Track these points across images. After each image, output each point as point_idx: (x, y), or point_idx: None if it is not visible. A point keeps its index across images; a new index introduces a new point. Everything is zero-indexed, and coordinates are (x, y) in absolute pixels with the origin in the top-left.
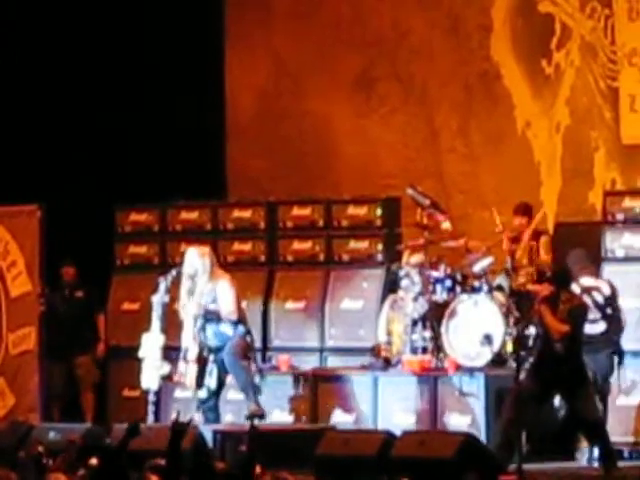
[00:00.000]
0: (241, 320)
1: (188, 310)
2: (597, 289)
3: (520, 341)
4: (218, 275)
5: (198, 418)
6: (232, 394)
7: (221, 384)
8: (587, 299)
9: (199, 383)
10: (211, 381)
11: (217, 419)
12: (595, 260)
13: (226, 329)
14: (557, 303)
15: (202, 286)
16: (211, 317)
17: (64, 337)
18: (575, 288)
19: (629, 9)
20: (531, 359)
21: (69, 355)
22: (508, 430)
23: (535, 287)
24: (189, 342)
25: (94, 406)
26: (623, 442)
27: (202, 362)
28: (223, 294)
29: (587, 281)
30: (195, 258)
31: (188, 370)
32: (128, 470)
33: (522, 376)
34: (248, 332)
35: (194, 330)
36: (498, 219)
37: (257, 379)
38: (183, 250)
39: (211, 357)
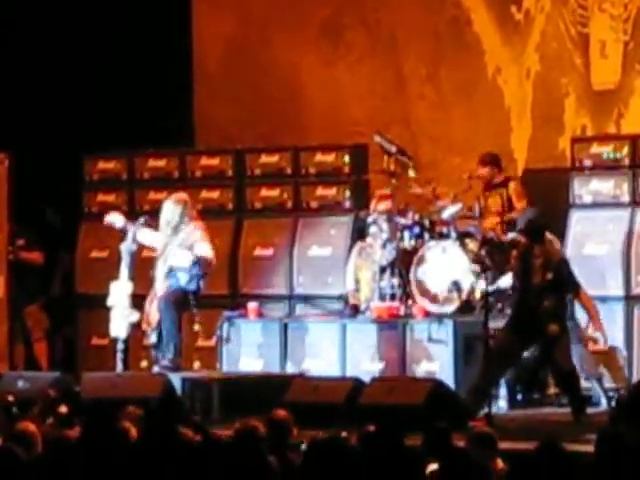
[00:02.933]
0: (202, 275)
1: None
2: None
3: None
4: (196, 225)
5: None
6: (200, 342)
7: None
8: None
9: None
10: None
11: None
12: (563, 206)
13: (181, 276)
14: (530, 257)
15: (180, 233)
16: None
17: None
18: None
19: None
20: (507, 310)
21: (17, 305)
22: (482, 379)
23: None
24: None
25: (48, 354)
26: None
27: None
28: (201, 242)
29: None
30: (169, 208)
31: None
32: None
33: (492, 323)
34: (194, 292)
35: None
36: None
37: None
38: (152, 198)
39: None
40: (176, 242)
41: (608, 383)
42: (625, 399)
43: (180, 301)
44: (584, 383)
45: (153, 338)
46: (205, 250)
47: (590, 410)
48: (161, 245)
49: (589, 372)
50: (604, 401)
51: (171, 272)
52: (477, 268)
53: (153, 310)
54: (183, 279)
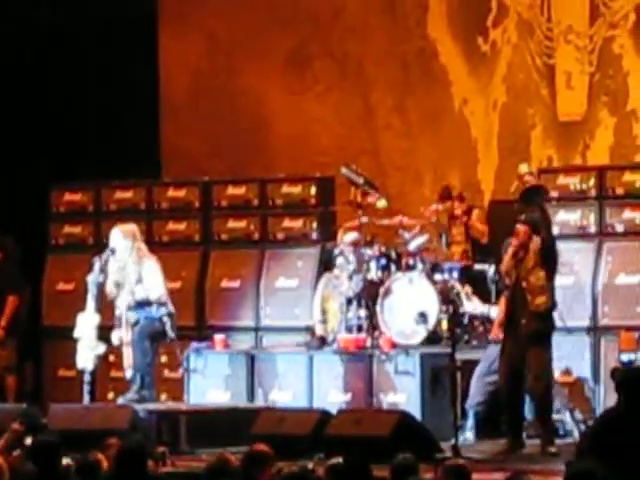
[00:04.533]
0: (164, 302)
1: (119, 299)
2: None
3: (455, 319)
4: (143, 256)
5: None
6: (167, 373)
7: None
8: None
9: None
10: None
11: (151, 397)
12: None
13: (151, 309)
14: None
15: (129, 268)
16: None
17: None
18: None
19: None
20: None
21: None
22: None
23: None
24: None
25: (15, 389)
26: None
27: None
28: (149, 276)
29: None
30: (117, 237)
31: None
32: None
33: (459, 354)
34: (169, 314)
35: (126, 313)
36: None
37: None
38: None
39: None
40: (128, 279)
41: (578, 414)
42: (590, 431)
43: (152, 332)
44: (555, 415)
45: (129, 373)
46: (153, 289)
47: (560, 441)
48: (112, 283)
49: (561, 403)
50: (576, 433)
51: (137, 307)
52: (443, 298)
53: (130, 352)
54: (151, 309)
